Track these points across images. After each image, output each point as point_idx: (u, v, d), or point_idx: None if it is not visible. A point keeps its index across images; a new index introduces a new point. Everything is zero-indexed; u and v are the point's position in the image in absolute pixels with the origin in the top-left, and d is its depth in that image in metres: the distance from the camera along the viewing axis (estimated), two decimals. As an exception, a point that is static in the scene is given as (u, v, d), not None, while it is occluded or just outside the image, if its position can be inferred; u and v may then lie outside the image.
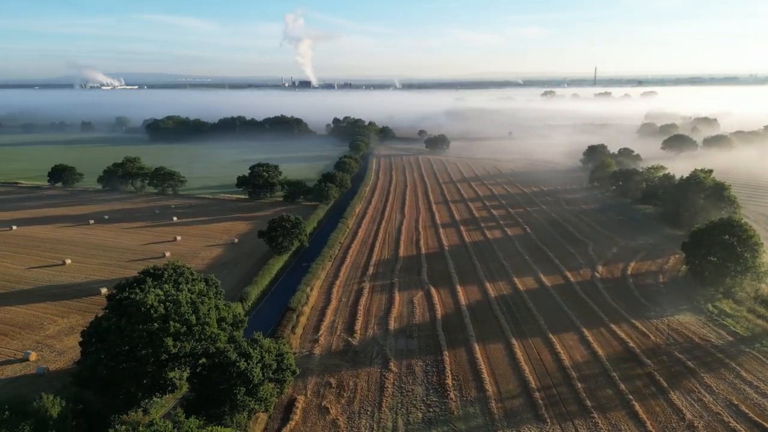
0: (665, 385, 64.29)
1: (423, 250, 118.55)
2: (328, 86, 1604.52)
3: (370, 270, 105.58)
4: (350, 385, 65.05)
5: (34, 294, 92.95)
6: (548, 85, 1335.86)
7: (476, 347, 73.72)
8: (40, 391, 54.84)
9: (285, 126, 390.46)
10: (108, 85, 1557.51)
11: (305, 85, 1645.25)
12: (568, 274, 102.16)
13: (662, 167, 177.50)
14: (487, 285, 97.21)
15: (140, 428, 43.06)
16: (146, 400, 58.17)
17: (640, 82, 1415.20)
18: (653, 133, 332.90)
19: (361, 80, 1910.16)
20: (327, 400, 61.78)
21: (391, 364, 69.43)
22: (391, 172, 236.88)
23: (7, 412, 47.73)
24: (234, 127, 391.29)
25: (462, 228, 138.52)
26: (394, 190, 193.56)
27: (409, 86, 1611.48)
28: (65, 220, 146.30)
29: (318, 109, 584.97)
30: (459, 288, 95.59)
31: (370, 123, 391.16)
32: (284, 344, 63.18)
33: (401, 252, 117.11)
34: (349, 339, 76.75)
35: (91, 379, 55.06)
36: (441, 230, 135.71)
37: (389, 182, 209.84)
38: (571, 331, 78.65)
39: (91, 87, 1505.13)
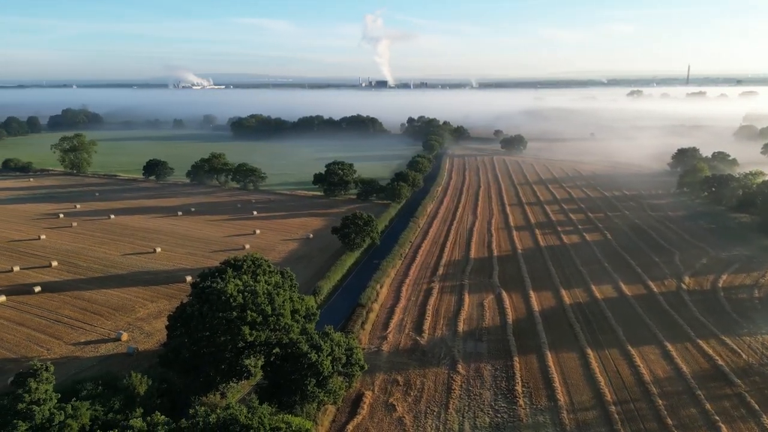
0: (757, 407, 59.33)
1: (495, 253, 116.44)
2: (404, 86, 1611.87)
3: (440, 270, 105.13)
4: (417, 384, 65.19)
5: (127, 279, 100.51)
6: (635, 84, 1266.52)
7: (548, 355, 71.50)
8: (130, 369, 59.37)
9: (361, 125, 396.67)
10: (198, 85, 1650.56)
11: (382, 84, 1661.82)
12: (651, 284, 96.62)
13: (762, 173, 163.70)
14: (562, 291, 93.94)
15: (218, 410, 45.48)
16: (224, 385, 61.27)
17: (738, 81, 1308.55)
18: (752, 137, 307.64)
19: (437, 79, 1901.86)
20: (394, 398, 62.27)
21: (459, 366, 68.84)
22: (465, 172, 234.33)
23: (100, 387, 52.06)
24: (312, 125, 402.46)
25: (537, 231, 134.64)
26: (467, 190, 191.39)
27: (486, 85, 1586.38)
28: (157, 211, 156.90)
29: (393, 108, 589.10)
30: (532, 293, 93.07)
31: (445, 122, 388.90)
32: (354, 339, 64.38)
33: (472, 253, 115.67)
34: (418, 338, 76.90)
35: (175, 361, 58.81)
36: (514, 233, 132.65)
37: (462, 182, 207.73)
38: (652, 344, 74.39)
39: (183, 87, 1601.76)
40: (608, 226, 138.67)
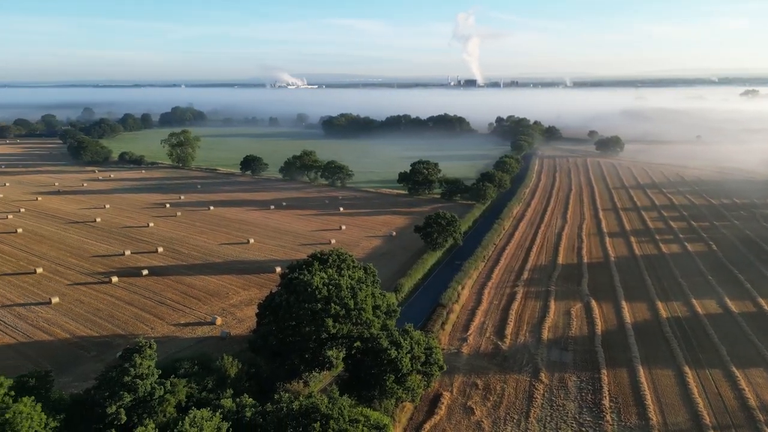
0: None
1: (585, 259, 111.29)
2: (493, 85, 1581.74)
3: (525, 275, 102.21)
4: (497, 389, 63.93)
5: (223, 267, 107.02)
6: (751, 83, 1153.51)
7: (640, 370, 67.33)
8: (222, 352, 63.15)
9: (447, 124, 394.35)
10: (293, 85, 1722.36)
11: (470, 83, 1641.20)
12: (762, 302, 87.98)
13: None
14: (658, 303, 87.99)
15: (300, 398, 47.34)
16: (307, 373, 63.58)
17: None
18: None
19: (528, 78, 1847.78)
20: (472, 401, 61.50)
21: (542, 374, 66.65)
22: (555, 174, 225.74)
23: (196, 367, 55.85)
24: (399, 124, 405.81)
25: (632, 238, 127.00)
26: (556, 193, 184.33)
27: (581, 84, 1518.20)
28: (251, 204, 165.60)
29: (481, 107, 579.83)
30: (624, 303, 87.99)
31: (535, 122, 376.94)
32: (433, 339, 64.31)
33: (560, 259, 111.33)
34: (499, 343, 75.35)
35: (263, 347, 61.86)
36: (607, 239, 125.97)
37: (552, 185, 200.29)
38: (760, 367, 67.80)
39: (279, 86, 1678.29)
40: (714, 237, 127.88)
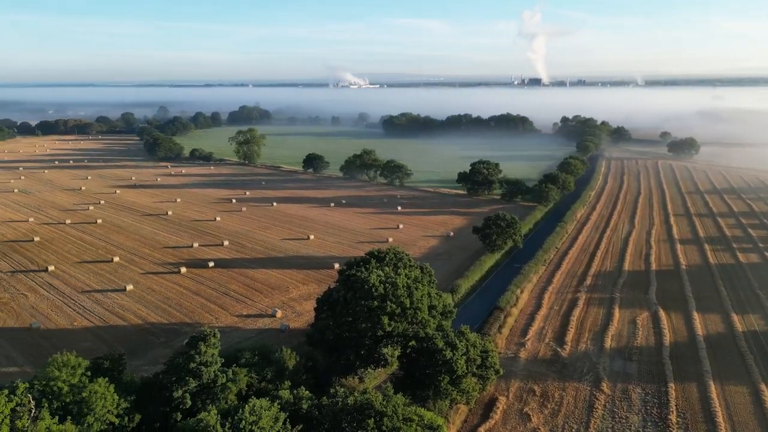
0: None
1: (653, 266, 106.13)
2: (559, 84, 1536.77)
3: (588, 281, 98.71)
4: (555, 396, 62.18)
5: (284, 261, 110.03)
6: None
7: (711, 385, 63.52)
8: (281, 344, 64.94)
9: (510, 124, 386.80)
10: (355, 85, 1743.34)
11: (535, 82, 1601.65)
12: None
13: None
14: (734, 316, 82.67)
15: (355, 393, 47.96)
16: (362, 369, 64.31)
17: None
18: None
19: (596, 77, 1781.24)
20: (529, 407, 60.13)
21: (604, 384, 64.21)
22: (623, 176, 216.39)
23: (256, 358, 57.77)
24: (460, 124, 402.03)
25: (706, 246, 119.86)
26: (624, 196, 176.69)
27: (653, 83, 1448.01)
28: (312, 201, 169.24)
29: (546, 107, 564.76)
30: (695, 314, 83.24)
31: (603, 123, 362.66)
32: (489, 342, 63.38)
33: (626, 265, 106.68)
34: (558, 349, 73.23)
35: (320, 341, 63.15)
36: (678, 246, 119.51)
37: (619, 188, 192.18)
38: None
39: (341, 86, 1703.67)
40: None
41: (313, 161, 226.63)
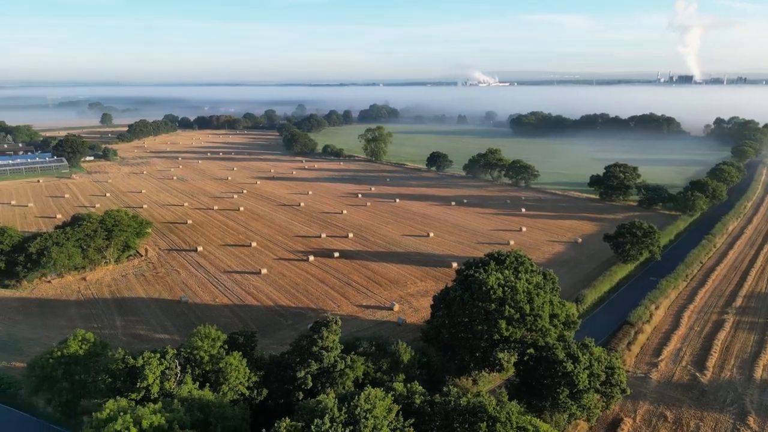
0: None
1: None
2: (714, 81, 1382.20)
3: (738, 301, 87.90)
4: (690, 425, 56.43)
5: (403, 257, 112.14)
6: None
7: None
8: (397, 337, 66.43)
9: (652, 125, 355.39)
10: (484, 83, 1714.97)
11: (685, 80, 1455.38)
12: None
13: None
14: None
15: (469, 395, 47.58)
16: (476, 372, 63.62)
17: None
18: None
19: (761, 74, 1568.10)
20: (657, 433, 55.24)
21: (750, 418, 56.98)
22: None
23: (373, 348, 59.70)
24: (595, 124, 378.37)
25: None
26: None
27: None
28: (433, 199, 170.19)
29: (696, 107, 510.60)
30: None
31: (766, 125, 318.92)
32: (617, 358, 59.13)
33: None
34: (697, 374, 66.26)
35: (435, 339, 63.52)
36: None
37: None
38: None
39: (470, 84, 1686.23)
40: None
41: (436, 159, 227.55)
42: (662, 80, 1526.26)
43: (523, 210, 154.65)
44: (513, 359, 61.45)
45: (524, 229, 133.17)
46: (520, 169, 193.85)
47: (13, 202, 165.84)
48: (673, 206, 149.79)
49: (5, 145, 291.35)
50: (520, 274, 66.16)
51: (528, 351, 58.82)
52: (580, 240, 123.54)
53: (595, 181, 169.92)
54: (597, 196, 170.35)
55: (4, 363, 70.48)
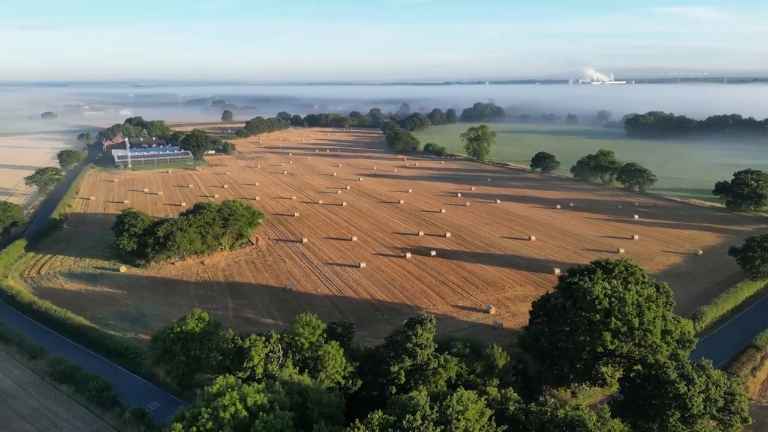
0: None
1: None
2: None
3: None
4: (827, 470, 49.75)
5: (502, 259, 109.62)
6: None
7: None
8: (492, 341, 65.16)
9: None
10: (597, 81, 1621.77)
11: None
12: None
13: None
14: None
15: (567, 407, 45.53)
16: (576, 384, 60.75)
17: None
18: None
19: None
20: (785, 473, 49.34)
21: None
22: None
23: (467, 350, 59.08)
24: (724, 126, 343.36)
25: None
26: None
27: None
28: (536, 202, 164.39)
29: None
30: None
31: None
32: (738, 384, 53.53)
33: None
34: (839, 412, 58.19)
35: (533, 346, 61.48)
36: None
37: None
38: None
39: (582, 82, 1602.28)
40: None
41: (541, 160, 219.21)
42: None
43: (636, 216, 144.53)
44: (618, 374, 57.83)
45: (636, 237, 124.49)
46: (635, 173, 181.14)
47: (146, 190, 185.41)
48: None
49: (141, 139, 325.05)
50: (629, 285, 61.97)
51: (635, 367, 55.13)
52: (700, 252, 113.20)
53: (721, 189, 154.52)
54: (723, 205, 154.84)
55: (132, 334, 79.07)
